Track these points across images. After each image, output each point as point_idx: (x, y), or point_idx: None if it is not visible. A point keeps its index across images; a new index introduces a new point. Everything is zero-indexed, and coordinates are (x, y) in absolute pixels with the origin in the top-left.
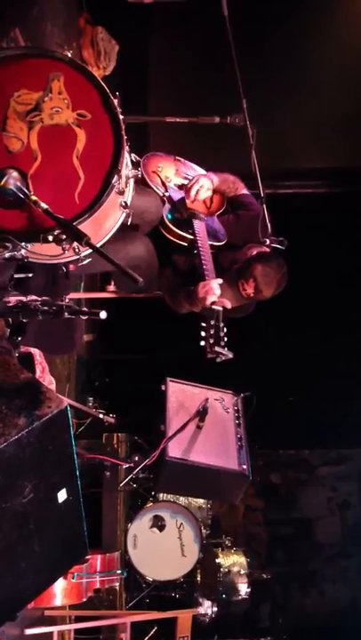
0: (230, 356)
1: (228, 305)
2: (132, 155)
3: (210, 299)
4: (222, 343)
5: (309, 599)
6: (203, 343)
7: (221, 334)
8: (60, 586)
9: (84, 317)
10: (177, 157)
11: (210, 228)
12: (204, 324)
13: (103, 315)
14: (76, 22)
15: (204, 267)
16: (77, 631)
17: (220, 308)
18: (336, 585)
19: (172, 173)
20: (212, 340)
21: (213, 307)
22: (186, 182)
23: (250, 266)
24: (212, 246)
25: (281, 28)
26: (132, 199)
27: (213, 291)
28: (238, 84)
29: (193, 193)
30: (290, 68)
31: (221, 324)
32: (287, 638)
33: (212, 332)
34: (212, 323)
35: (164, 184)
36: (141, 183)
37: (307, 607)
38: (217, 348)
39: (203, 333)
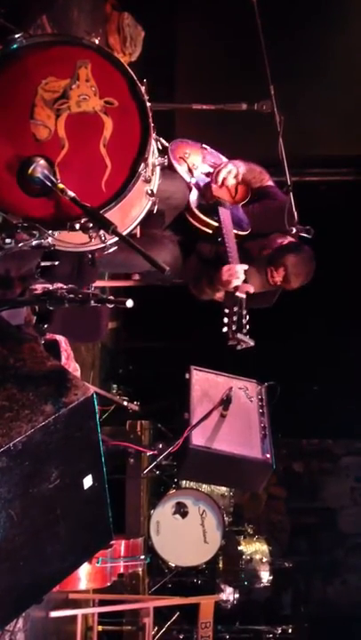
0: (252, 343)
1: (251, 290)
2: (161, 140)
3: (234, 282)
4: (244, 330)
5: (332, 588)
6: (225, 329)
7: (244, 321)
8: (84, 570)
9: (110, 306)
10: (203, 145)
11: (235, 216)
12: (226, 311)
13: (130, 303)
14: (102, 8)
15: (229, 251)
16: (101, 615)
17: (243, 296)
18: (359, 575)
19: (198, 161)
20: (234, 327)
21: (236, 294)
22: (212, 170)
23: (282, 254)
24: (236, 235)
25: (309, 14)
26: (158, 184)
27: (238, 274)
28: (266, 69)
29: (220, 178)
30: (317, 55)
31: (244, 312)
32: (308, 627)
33: (234, 318)
34: (235, 310)
35: (190, 171)
36: (168, 168)
37: (329, 596)
38: (239, 335)
39: (225, 320)
